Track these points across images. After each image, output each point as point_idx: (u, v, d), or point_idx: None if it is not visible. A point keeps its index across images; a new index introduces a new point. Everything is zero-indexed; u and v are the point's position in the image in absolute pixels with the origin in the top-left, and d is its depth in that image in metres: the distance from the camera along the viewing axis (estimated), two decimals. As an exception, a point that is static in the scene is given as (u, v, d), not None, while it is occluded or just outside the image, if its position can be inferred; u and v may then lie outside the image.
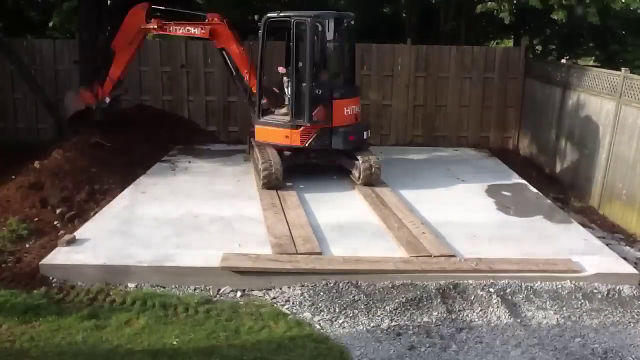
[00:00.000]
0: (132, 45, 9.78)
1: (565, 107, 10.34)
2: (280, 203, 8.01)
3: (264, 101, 9.36)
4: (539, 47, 16.84)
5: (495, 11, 11.88)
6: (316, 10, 9.19)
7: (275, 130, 9.07)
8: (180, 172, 9.62)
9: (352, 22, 9.37)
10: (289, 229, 7.05)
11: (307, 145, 8.85)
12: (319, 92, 8.72)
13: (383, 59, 12.09)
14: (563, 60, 11.87)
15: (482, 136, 12.41)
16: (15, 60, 11.07)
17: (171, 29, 9.60)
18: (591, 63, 15.47)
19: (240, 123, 11.94)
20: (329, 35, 8.97)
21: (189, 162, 10.23)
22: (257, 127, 9.31)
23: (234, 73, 9.72)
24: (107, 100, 9.94)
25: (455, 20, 15.59)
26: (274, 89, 9.61)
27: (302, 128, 8.81)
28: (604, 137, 8.91)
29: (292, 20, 8.78)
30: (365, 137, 9.25)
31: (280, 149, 8.98)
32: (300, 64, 8.95)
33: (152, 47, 12.00)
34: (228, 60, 9.67)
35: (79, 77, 11.30)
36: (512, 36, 18.22)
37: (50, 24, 14.16)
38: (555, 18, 10.47)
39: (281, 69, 9.34)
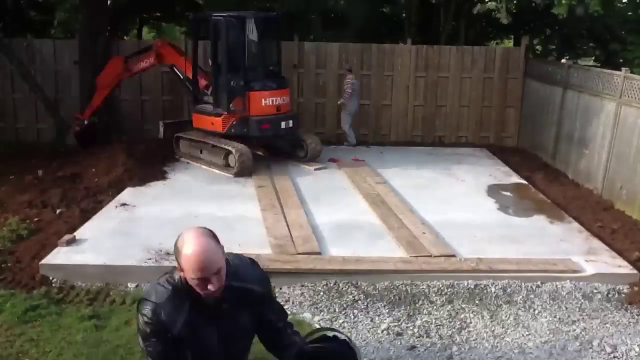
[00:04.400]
0: (110, 86, 10.80)
1: (565, 107, 10.33)
2: (280, 203, 8.01)
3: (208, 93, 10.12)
4: (539, 47, 16.85)
5: (493, 12, 11.90)
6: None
7: (204, 118, 9.99)
8: (180, 173, 9.61)
9: (279, 22, 10.30)
10: (289, 229, 7.05)
11: (226, 131, 9.71)
12: (234, 84, 9.64)
13: (383, 59, 12.09)
14: (563, 60, 11.88)
15: (482, 136, 12.41)
16: (15, 60, 11.07)
17: (134, 69, 10.61)
18: (591, 63, 15.47)
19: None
20: (250, 34, 9.81)
21: (188, 162, 10.22)
22: (193, 115, 10.24)
23: (186, 81, 10.34)
24: (85, 122, 10.79)
25: (455, 20, 15.59)
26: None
27: (222, 116, 9.72)
28: (604, 137, 8.91)
29: (211, 20, 9.73)
30: (285, 126, 9.90)
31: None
32: (219, 59, 9.83)
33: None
34: (180, 74, 10.42)
35: (79, 77, 11.32)
36: (512, 36, 18.23)
37: (55, 23, 14.18)
38: (556, 13, 10.43)
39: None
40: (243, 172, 9.29)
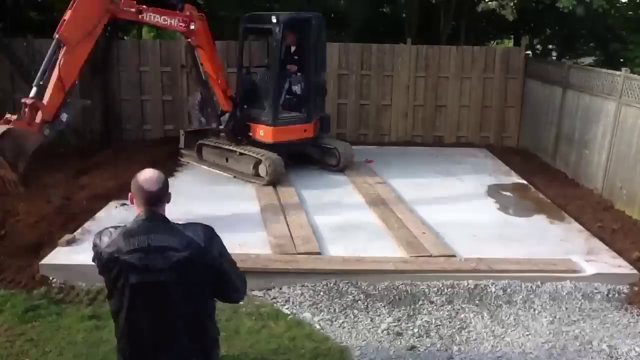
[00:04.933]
0: (92, 36, 7.14)
1: (565, 107, 10.33)
2: (280, 203, 8.01)
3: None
4: (539, 47, 16.84)
5: (497, 9, 11.92)
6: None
7: (294, 128, 9.34)
8: (180, 173, 9.61)
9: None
10: (289, 229, 7.05)
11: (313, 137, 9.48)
12: (317, 86, 9.48)
13: (383, 59, 12.08)
14: (563, 60, 11.88)
15: (482, 136, 12.40)
16: (15, 60, 11.07)
17: (146, 16, 7.86)
18: (591, 63, 15.46)
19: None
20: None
21: (188, 162, 10.22)
22: (272, 129, 9.11)
23: (203, 78, 9.31)
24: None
25: (455, 20, 15.59)
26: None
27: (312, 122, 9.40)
28: (604, 137, 8.91)
29: (295, 19, 9.12)
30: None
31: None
32: (306, 61, 9.33)
33: (152, 47, 12.00)
34: (199, 62, 9.17)
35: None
36: (512, 36, 18.23)
37: (55, 22, 14.14)
38: (561, 7, 10.39)
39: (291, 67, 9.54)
40: (274, 181, 8.76)
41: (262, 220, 7.35)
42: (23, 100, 6.53)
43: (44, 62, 6.81)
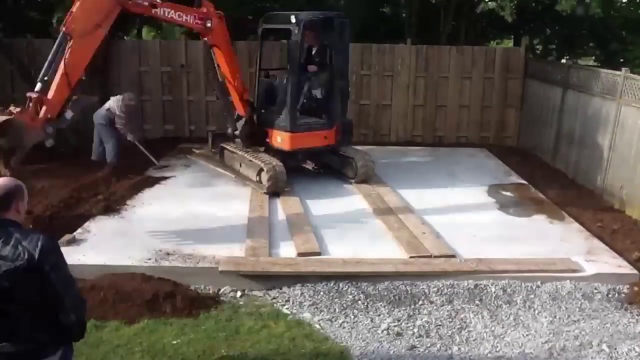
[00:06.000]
0: (101, 31, 6.65)
1: (565, 107, 10.33)
2: (280, 203, 8.00)
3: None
4: (539, 47, 16.86)
5: (496, 10, 11.93)
6: (315, 8, 9.29)
7: (314, 134, 8.80)
8: (180, 173, 9.61)
9: None
10: (289, 229, 7.05)
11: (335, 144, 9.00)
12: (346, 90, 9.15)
13: (383, 59, 12.09)
14: (563, 60, 11.88)
15: (482, 136, 12.41)
16: (15, 60, 11.07)
17: (160, 10, 7.39)
18: (591, 63, 15.48)
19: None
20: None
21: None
22: (290, 135, 8.60)
23: (220, 79, 8.94)
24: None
25: (455, 20, 15.60)
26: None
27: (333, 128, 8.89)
28: (604, 137, 8.91)
29: (323, 19, 8.60)
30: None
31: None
32: (338, 62, 8.87)
33: (152, 47, 12.01)
34: (215, 63, 8.80)
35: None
36: (512, 36, 18.24)
37: (54, 21, 14.12)
38: (560, 10, 10.42)
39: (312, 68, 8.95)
40: (275, 190, 8.26)
41: (261, 221, 7.34)
42: (28, 94, 6.26)
43: (50, 55, 6.46)
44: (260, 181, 8.51)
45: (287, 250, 6.52)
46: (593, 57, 16.08)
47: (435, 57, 12.11)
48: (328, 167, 9.45)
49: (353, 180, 8.93)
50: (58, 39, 6.46)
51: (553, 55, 16.48)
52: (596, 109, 9.25)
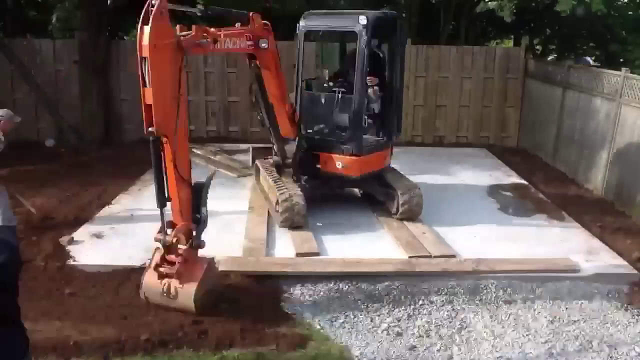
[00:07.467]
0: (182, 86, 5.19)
1: (565, 107, 10.34)
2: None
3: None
4: (539, 47, 16.85)
5: (496, 10, 11.89)
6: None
7: (377, 156, 7.77)
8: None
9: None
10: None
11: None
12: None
13: (383, 59, 12.06)
14: (569, 61, 11.86)
15: (482, 136, 12.41)
16: (15, 60, 11.07)
17: (221, 44, 5.69)
18: (591, 63, 15.47)
19: (241, 123, 11.97)
20: None
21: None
22: (357, 160, 7.33)
23: (263, 107, 6.99)
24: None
25: (455, 20, 15.60)
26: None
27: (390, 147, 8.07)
28: (604, 137, 8.91)
29: (381, 19, 7.27)
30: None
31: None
32: (397, 70, 7.75)
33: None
34: (260, 96, 6.85)
35: (78, 77, 11.31)
36: (512, 36, 18.24)
37: (54, 20, 14.12)
38: (559, 10, 10.40)
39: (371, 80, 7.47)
40: (289, 225, 7.04)
41: (261, 221, 7.33)
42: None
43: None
44: (277, 211, 7.19)
45: (286, 250, 6.52)
46: (593, 57, 16.08)
47: (435, 57, 12.11)
48: (372, 198, 8.02)
49: (395, 217, 7.52)
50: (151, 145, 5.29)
51: (553, 55, 16.50)
52: (596, 109, 9.25)
